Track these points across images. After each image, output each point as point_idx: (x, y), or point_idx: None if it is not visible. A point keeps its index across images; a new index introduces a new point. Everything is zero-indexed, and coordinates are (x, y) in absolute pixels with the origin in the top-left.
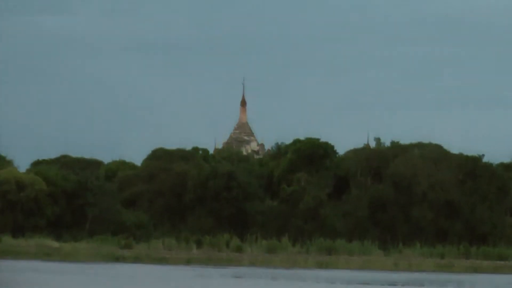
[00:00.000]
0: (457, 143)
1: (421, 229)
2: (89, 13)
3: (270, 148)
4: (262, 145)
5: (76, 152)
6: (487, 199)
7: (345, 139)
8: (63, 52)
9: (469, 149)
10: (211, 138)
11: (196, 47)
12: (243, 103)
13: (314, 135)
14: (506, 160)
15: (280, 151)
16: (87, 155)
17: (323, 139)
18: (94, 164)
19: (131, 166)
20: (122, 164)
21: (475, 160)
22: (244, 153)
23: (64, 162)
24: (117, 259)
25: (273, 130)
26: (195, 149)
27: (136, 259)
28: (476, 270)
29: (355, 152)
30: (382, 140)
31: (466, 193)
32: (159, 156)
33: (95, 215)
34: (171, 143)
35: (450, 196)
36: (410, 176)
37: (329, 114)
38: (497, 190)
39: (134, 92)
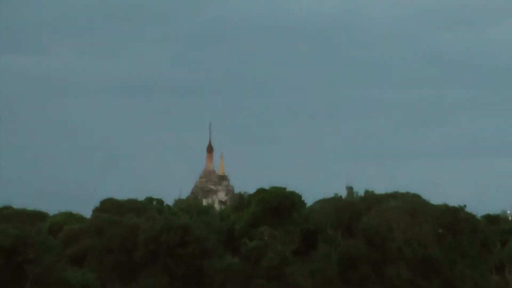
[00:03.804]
0: (437, 193)
1: None
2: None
3: (229, 199)
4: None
5: (19, 203)
6: (469, 255)
7: (316, 190)
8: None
9: (450, 200)
10: (176, 188)
11: (162, 89)
12: (210, 149)
13: (284, 184)
14: (492, 211)
15: (242, 202)
16: (31, 206)
17: (290, 189)
18: (38, 216)
19: (79, 218)
20: (69, 217)
21: (456, 212)
22: (210, 204)
23: (5, 214)
24: None
25: (251, 180)
26: (149, 200)
27: None
28: None
29: (324, 203)
30: (355, 190)
31: (446, 249)
32: (109, 208)
33: (36, 274)
34: (128, 194)
35: (428, 252)
36: (385, 230)
37: (304, 163)
38: (480, 245)
39: (91, 136)
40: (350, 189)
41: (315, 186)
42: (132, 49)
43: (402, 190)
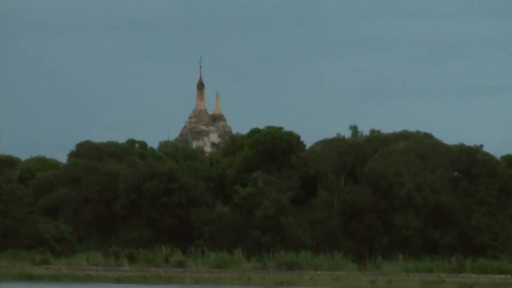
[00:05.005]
0: (451, 132)
1: (404, 240)
2: None
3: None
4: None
5: None
6: (486, 202)
7: (319, 131)
8: None
9: (466, 140)
10: (162, 129)
11: (148, 23)
12: (200, 86)
13: (284, 124)
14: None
15: (235, 144)
16: (0, 151)
17: (288, 129)
18: (7, 162)
19: (52, 164)
20: (42, 163)
21: (472, 153)
22: (199, 147)
23: None
24: (31, 278)
25: (250, 120)
26: (130, 143)
27: (54, 278)
28: (471, 287)
29: (325, 144)
30: (359, 130)
31: (460, 195)
32: (86, 153)
33: (6, 226)
34: (109, 137)
35: (441, 199)
36: (392, 175)
37: (307, 102)
38: (498, 191)
39: (69, 75)
40: (354, 129)
41: (318, 127)
42: None
43: (413, 129)
